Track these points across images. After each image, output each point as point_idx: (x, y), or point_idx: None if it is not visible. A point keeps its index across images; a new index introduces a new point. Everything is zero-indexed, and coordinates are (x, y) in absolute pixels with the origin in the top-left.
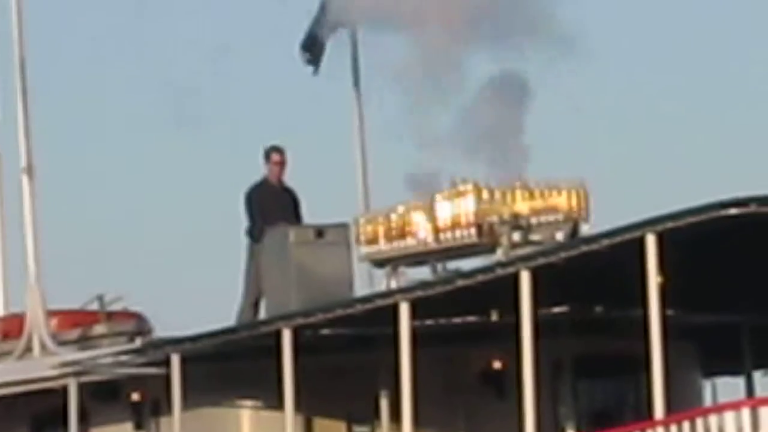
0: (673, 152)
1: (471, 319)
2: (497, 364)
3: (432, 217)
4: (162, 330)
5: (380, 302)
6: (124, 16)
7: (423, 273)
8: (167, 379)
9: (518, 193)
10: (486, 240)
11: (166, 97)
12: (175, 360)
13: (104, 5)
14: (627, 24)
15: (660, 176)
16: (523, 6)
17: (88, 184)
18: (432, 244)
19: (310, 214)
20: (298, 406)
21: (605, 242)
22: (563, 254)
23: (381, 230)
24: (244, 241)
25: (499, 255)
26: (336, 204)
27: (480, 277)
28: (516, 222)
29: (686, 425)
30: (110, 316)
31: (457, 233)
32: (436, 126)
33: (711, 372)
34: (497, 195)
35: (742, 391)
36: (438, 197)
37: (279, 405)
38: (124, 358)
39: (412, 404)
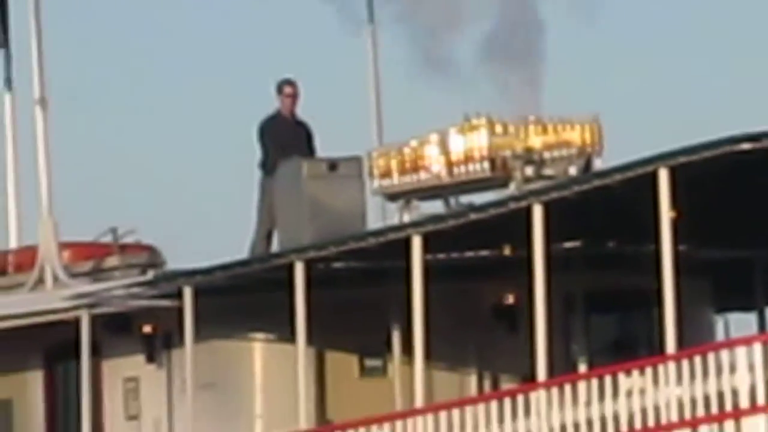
0: (686, 87)
1: (483, 253)
2: (509, 299)
3: (445, 150)
4: (174, 262)
5: (393, 236)
6: None
7: (436, 207)
8: (179, 311)
9: (531, 127)
10: (499, 174)
11: (180, 29)
12: (188, 292)
13: None
14: None
15: (673, 111)
16: None
17: (101, 116)
18: (445, 178)
19: (323, 148)
20: (310, 339)
21: (618, 177)
22: (576, 188)
23: (394, 164)
24: (257, 173)
25: (512, 189)
26: (349, 137)
27: (492, 211)
28: (529, 156)
29: (698, 360)
30: (123, 248)
31: (470, 167)
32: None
33: (723, 307)
34: (511, 129)
35: (754, 327)
36: (451, 131)
37: (291, 338)
38: (136, 290)
39: (423, 338)
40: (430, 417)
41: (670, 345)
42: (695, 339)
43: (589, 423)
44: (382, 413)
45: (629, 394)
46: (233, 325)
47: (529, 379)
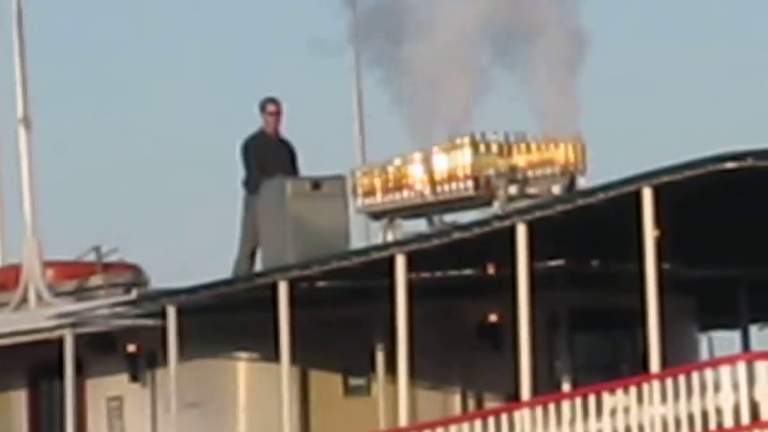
0: (670, 105)
1: (467, 272)
2: (493, 317)
3: (429, 169)
4: (158, 281)
5: (376, 255)
6: None
7: (419, 225)
8: (163, 330)
9: (515, 146)
10: (483, 193)
11: (164, 48)
12: (171, 312)
13: None
14: None
15: (657, 130)
16: None
17: (85, 135)
18: (429, 197)
19: (306, 166)
20: (294, 358)
21: (602, 196)
22: (560, 207)
23: (378, 182)
24: (240, 192)
25: (496, 208)
26: (333, 156)
27: (476, 230)
28: (513, 175)
29: (682, 379)
30: (106, 267)
31: (454, 186)
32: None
33: (707, 326)
34: (494, 148)
35: (738, 345)
36: (435, 149)
37: (275, 357)
38: (120, 309)
39: (407, 357)
40: None
41: (654, 364)
42: (679, 358)
43: None
44: None
45: (613, 412)
46: (217, 344)
47: (513, 398)
